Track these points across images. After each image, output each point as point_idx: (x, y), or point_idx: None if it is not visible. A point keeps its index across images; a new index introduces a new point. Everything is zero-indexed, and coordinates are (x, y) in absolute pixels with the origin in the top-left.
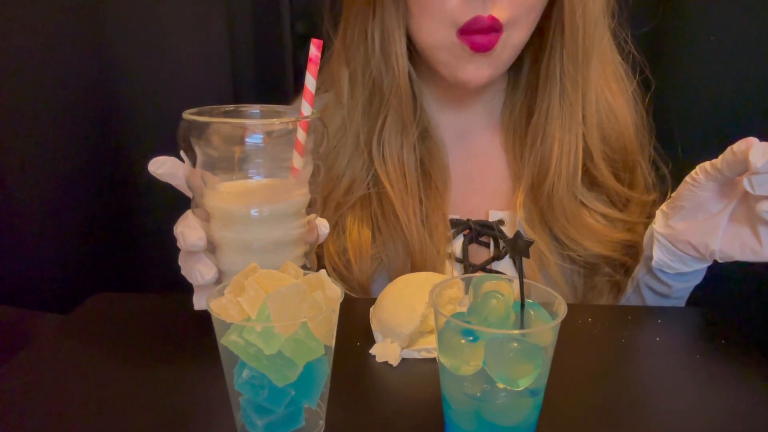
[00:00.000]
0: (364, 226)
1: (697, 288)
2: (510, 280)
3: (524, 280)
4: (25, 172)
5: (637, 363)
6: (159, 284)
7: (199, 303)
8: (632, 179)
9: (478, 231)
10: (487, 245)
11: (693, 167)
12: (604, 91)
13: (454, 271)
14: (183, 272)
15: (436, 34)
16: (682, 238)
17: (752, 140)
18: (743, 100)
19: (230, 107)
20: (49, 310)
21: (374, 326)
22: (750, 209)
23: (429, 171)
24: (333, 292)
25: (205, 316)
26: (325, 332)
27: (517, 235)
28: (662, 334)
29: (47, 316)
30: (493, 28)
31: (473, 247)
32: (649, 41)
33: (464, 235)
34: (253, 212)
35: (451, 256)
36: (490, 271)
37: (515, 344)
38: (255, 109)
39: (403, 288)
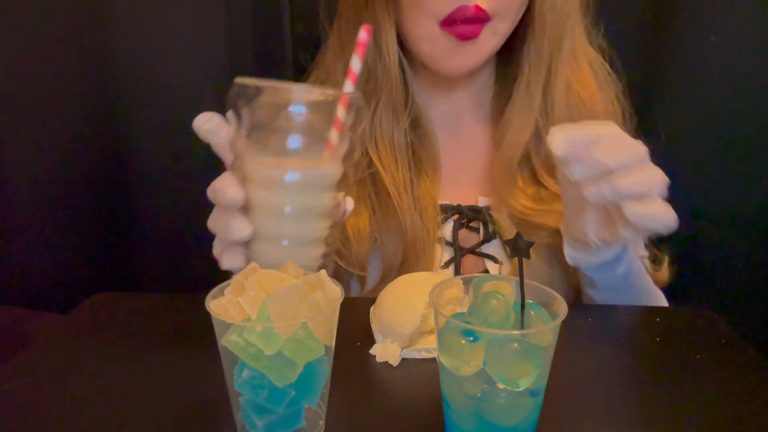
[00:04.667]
0: (362, 207)
1: (697, 288)
2: (510, 281)
3: (524, 280)
4: (25, 172)
5: (637, 363)
6: (159, 284)
7: (229, 261)
8: None
9: (468, 216)
10: (477, 230)
11: (688, 166)
12: (573, 84)
13: (445, 254)
14: (216, 230)
15: (420, 25)
16: (571, 231)
17: (552, 130)
18: (742, 100)
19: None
20: (49, 310)
21: (374, 326)
22: None
23: (420, 156)
24: (333, 292)
25: (205, 316)
26: (325, 332)
27: (518, 235)
28: (662, 334)
29: (47, 316)
30: (479, 18)
31: (463, 232)
32: (649, 40)
33: (454, 220)
34: (287, 177)
35: (441, 239)
36: (480, 254)
37: (515, 344)
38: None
39: (403, 288)
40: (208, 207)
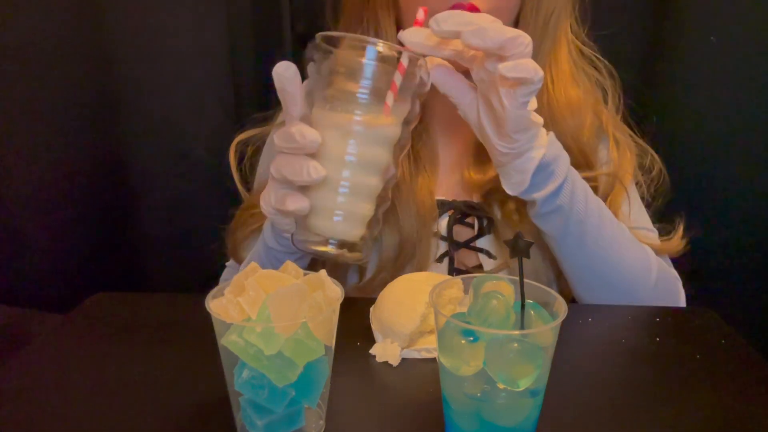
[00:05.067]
0: None
1: (697, 288)
2: (510, 281)
3: (524, 280)
4: (25, 172)
5: (637, 363)
6: (159, 284)
7: (296, 203)
8: (587, 159)
9: (463, 211)
10: (472, 226)
11: (688, 166)
12: (548, 84)
13: (440, 248)
14: (284, 174)
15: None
16: (494, 159)
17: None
18: (742, 100)
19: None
20: (49, 310)
21: (374, 326)
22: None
23: (419, 153)
24: (333, 292)
25: (205, 316)
26: (325, 332)
27: (518, 235)
28: (662, 334)
29: (47, 316)
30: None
31: (458, 228)
32: (649, 40)
33: (449, 215)
34: (354, 127)
35: (436, 234)
36: (474, 248)
37: (515, 345)
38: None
39: (403, 288)
40: (208, 207)
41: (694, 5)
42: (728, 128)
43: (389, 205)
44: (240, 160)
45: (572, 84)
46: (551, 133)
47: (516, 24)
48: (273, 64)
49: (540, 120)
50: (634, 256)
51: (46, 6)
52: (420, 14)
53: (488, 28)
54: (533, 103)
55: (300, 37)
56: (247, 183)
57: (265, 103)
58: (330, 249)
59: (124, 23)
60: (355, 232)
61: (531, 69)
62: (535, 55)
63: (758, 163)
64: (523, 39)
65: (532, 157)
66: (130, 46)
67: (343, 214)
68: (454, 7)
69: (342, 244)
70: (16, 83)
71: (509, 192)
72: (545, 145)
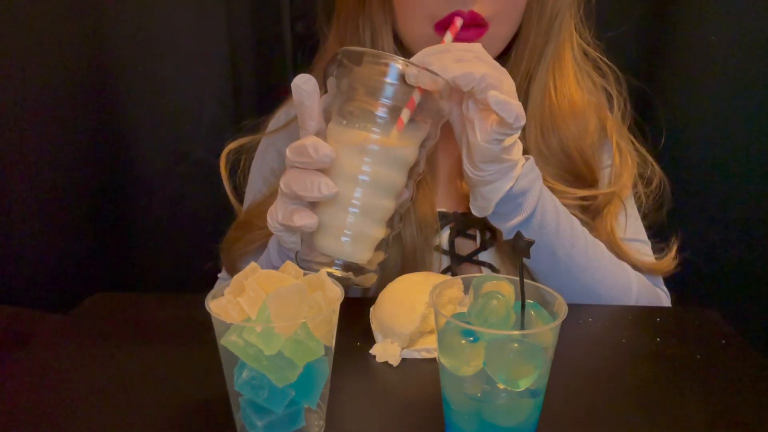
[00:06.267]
0: None
1: (697, 288)
2: (510, 281)
3: (524, 280)
4: (25, 172)
5: (637, 363)
6: (159, 284)
7: (303, 219)
8: (588, 165)
9: (464, 223)
10: (474, 237)
11: (688, 167)
12: (551, 90)
13: (442, 263)
14: (294, 188)
15: (414, 28)
16: (468, 183)
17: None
18: (742, 100)
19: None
20: (49, 310)
21: (374, 326)
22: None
23: None
24: (333, 292)
25: (205, 316)
26: (325, 332)
27: (518, 235)
28: (662, 334)
29: (47, 316)
30: (475, 22)
31: (459, 240)
32: (649, 40)
33: (450, 228)
34: (370, 146)
35: (438, 248)
36: (477, 262)
37: (516, 345)
38: None
39: (403, 288)
40: (207, 207)
41: (694, 6)
42: (728, 128)
43: (399, 229)
44: (236, 169)
45: (576, 87)
46: (529, 162)
47: (520, 27)
48: (273, 64)
49: (515, 158)
50: (611, 281)
51: (45, 6)
52: None
53: (431, 73)
54: (510, 140)
55: (300, 37)
56: (241, 194)
57: (264, 104)
58: (335, 271)
59: (123, 23)
60: (362, 254)
61: (514, 113)
62: (539, 58)
63: (759, 163)
64: (473, 75)
65: (498, 188)
66: (129, 46)
67: (352, 234)
68: (454, 14)
69: (348, 267)
70: (14, 82)
71: (474, 213)
72: (516, 177)
